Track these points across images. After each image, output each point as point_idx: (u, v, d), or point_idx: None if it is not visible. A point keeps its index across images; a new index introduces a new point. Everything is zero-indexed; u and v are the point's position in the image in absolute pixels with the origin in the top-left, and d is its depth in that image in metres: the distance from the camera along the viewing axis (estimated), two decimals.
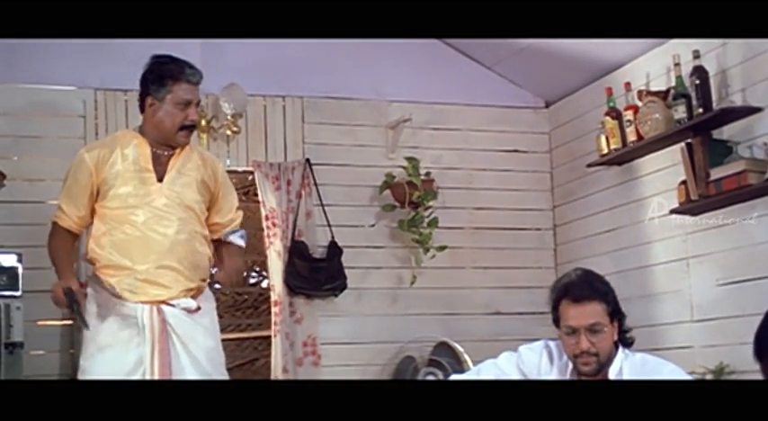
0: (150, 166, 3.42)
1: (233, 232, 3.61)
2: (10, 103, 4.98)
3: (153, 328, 3.30)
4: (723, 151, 4.26)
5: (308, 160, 5.31)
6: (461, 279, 5.55)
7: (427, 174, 5.41)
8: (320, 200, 5.32)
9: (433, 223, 5.38)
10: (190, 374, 3.32)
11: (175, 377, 3.28)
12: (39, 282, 4.78)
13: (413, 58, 5.57)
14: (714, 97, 4.32)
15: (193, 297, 3.42)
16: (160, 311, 3.34)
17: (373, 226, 5.48)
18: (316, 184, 5.31)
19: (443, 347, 5.25)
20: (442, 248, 5.38)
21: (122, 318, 3.33)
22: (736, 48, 4.29)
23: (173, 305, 3.36)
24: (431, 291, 5.47)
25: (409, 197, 5.30)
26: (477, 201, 5.66)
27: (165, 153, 3.45)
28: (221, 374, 3.46)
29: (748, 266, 4.22)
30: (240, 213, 3.71)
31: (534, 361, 3.08)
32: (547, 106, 5.83)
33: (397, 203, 5.36)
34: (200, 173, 3.50)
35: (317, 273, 5.13)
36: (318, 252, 5.24)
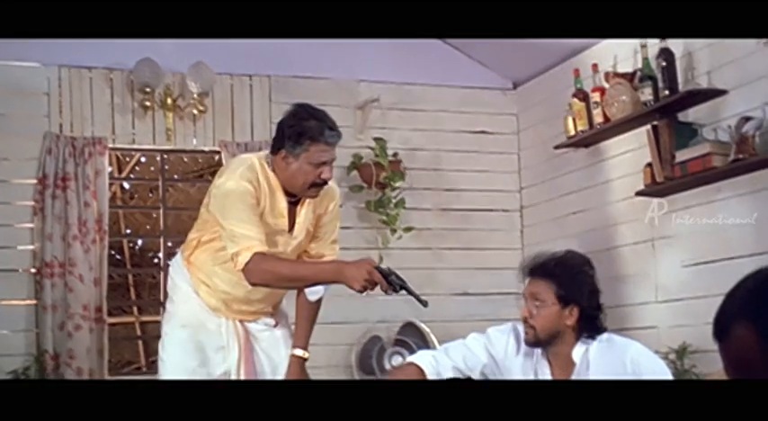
0: (285, 213, 3.24)
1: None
2: None
3: (239, 339, 3.30)
4: (688, 133, 4.29)
5: None
6: (429, 260, 5.56)
7: (395, 154, 5.40)
8: None
9: (401, 204, 5.38)
10: (277, 376, 3.38)
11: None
12: (2, 261, 4.77)
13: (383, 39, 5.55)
14: (680, 79, 4.34)
15: (270, 317, 3.45)
16: (244, 325, 3.36)
17: (340, 206, 5.45)
18: None
19: (410, 327, 5.27)
20: (408, 229, 5.39)
21: (207, 315, 3.31)
22: None
23: (253, 321, 3.39)
24: (398, 272, 5.46)
25: (376, 178, 5.30)
26: (444, 182, 5.67)
27: (294, 199, 3.28)
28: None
29: (713, 248, 4.26)
30: (335, 251, 3.45)
31: (502, 342, 3.13)
32: (515, 87, 5.84)
33: (364, 184, 5.36)
34: (315, 204, 3.33)
35: None
36: None
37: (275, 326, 3.45)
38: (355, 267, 2.99)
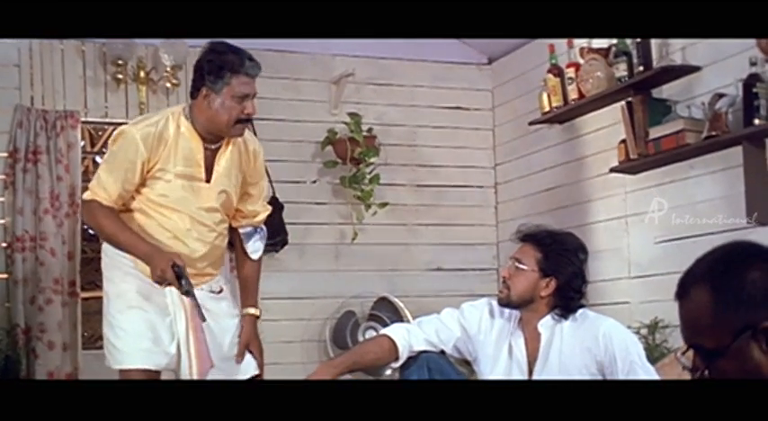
0: (201, 163, 3.22)
1: (252, 232, 3.46)
2: None
3: (185, 306, 3.22)
4: (663, 110, 4.30)
5: None
6: (403, 236, 5.57)
7: (369, 130, 5.39)
8: None
9: (375, 180, 5.37)
10: (224, 345, 3.31)
11: (213, 350, 3.25)
12: None
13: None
14: (654, 56, 4.35)
15: (214, 282, 3.38)
16: None
17: (315, 182, 5.46)
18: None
19: (384, 302, 5.28)
20: (383, 205, 5.39)
21: (148, 286, 3.21)
22: None
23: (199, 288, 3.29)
24: (373, 248, 5.48)
25: (351, 153, 5.28)
26: (419, 158, 5.66)
27: (213, 146, 3.25)
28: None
29: (686, 225, 4.29)
30: (268, 209, 3.53)
31: (476, 316, 3.16)
32: (490, 63, 5.83)
33: (338, 160, 5.34)
34: (240, 161, 3.32)
35: None
36: None
37: (220, 292, 3.37)
38: (159, 258, 3.06)
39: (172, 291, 3.20)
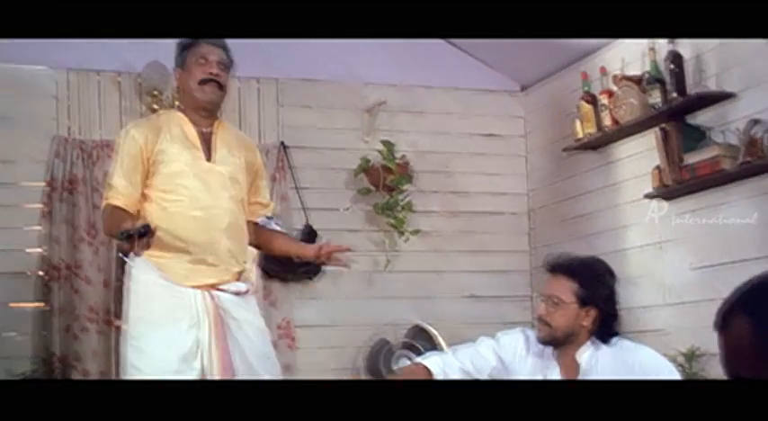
0: (198, 144, 3.38)
1: (267, 221, 3.60)
2: None
3: (209, 315, 3.25)
4: (697, 136, 4.28)
5: (282, 143, 5.29)
6: (436, 263, 5.56)
7: (402, 157, 5.40)
8: (295, 183, 5.31)
9: (408, 207, 5.38)
10: (250, 353, 3.32)
11: (237, 358, 3.27)
12: (9, 264, 4.78)
13: (389, 40, 5.55)
14: (689, 82, 4.33)
15: (241, 280, 3.40)
16: (213, 297, 3.29)
17: (348, 209, 5.47)
18: (291, 168, 5.29)
19: (418, 330, 5.26)
20: (416, 232, 5.39)
21: (172, 299, 3.25)
22: None
23: (223, 289, 3.32)
24: (406, 275, 5.47)
25: (384, 181, 5.30)
26: (452, 185, 5.66)
27: (206, 129, 3.42)
28: (272, 353, 3.47)
29: (721, 250, 4.25)
30: (271, 209, 3.70)
31: (511, 346, 3.14)
32: (522, 90, 5.84)
33: (372, 187, 5.36)
34: (243, 153, 3.49)
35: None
36: (294, 235, 5.22)
37: (247, 292, 3.39)
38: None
39: (197, 299, 3.23)
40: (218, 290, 3.31)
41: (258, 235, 3.56)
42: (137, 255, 3.20)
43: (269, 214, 3.61)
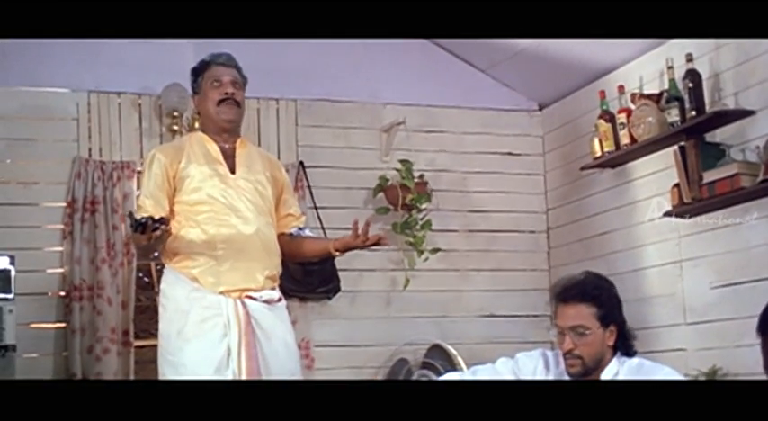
0: (221, 159, 3.47)
1: (302, 230, 3.66)
2: (3, 106, 4.97)
3: (239, 322, 3.29)
4: (716, 154, 4.27)
5: (301, 163, 5.31)
6: (455, 282, 5.55)
7: (421, 176, 5.41)
8: (314, 202, 5.32)
9: (427, 226, 5.38)
10: (274, 366, 3.34)
11: (262, 370, 3.30)
12: (31, 284, 4.80)
13: (407, 60, 5.57)
14: (707, 100, 4.32)
15: (272, 288, 3.45)
16: (244, 305, 3.34)
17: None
18: (309, 187, 5.31)
19: (437, 350, 5.25)
20: (435, 251, 5.38)
21: (204, 310, 3.31)
22: (729, 51, 4.30)
23: (254, 298, 3.36)
24: (424, 294, 5.47)
25: (402, 200, 5.30)
26: (470, 203, 5.66)
27: (227, 146, 3.51)
28: (298, 365, 3.51)
29: (742, 269, 4.23)
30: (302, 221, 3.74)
31: (530, 367, 3.11)
32: (540, 109, 5.84)
33: (390, 206, 5.36)
34: (267, 167, 3.57)
35: (311, 276, 5.11)
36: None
37: (279, 301, 3.44)
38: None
39: (228, 306, 3.27)
40: (249, 298, 3.35)
41: (292, 244, 3.60)
42: (155, 251, 3.31)
43: (301, 225, 3.65)
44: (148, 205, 3.37)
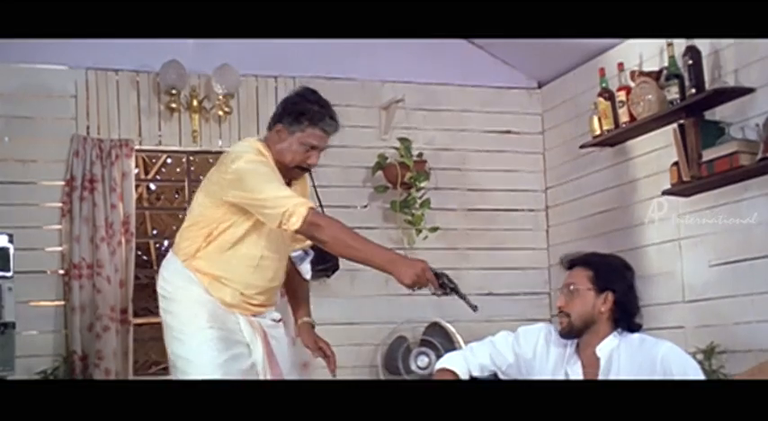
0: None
1: (303, 255, 3.53)
2: (1, 84, 4.96)
3: (258, 335, 3.27)
4: (715, 132, 4.26)
5: None
6: (454, 260, 5.55)
7: (420, 154, 5.40)
8: (312, 181, 5.29)
9: (426, 204, 5.38)
10: (284, 367, 3.34)
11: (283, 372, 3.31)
12: (30, 262, 4.80)
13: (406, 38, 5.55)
14: (707, 78, 4.31)
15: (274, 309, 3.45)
16: (257, 320, 3.33)
17: (366, 207, 5.48)
18: None
19: (435, 328, 5.26)
20: (434, 229, 5.39)
21: (223, 314, 3.24)
22: None
23: (262, 317, 3.35)
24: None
25: (401, 178, 5.30)
26: (469, 182, 5.66)
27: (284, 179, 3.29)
28: (297, 364, 3.57)
29: (741, 247, 4.23)
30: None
31: (531, 342, 3.14)
32: (540, 87, 5.83)
33: (389, 184, 5.36)
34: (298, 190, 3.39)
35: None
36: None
37: (280, 321, 3.43)
38: (410, 263, 3.06)
39: (245, 320, 3.23)
40: (256, 316, 3.33)
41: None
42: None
43: (306, 248, 3.54)
44: (289, 192, 3.11)
